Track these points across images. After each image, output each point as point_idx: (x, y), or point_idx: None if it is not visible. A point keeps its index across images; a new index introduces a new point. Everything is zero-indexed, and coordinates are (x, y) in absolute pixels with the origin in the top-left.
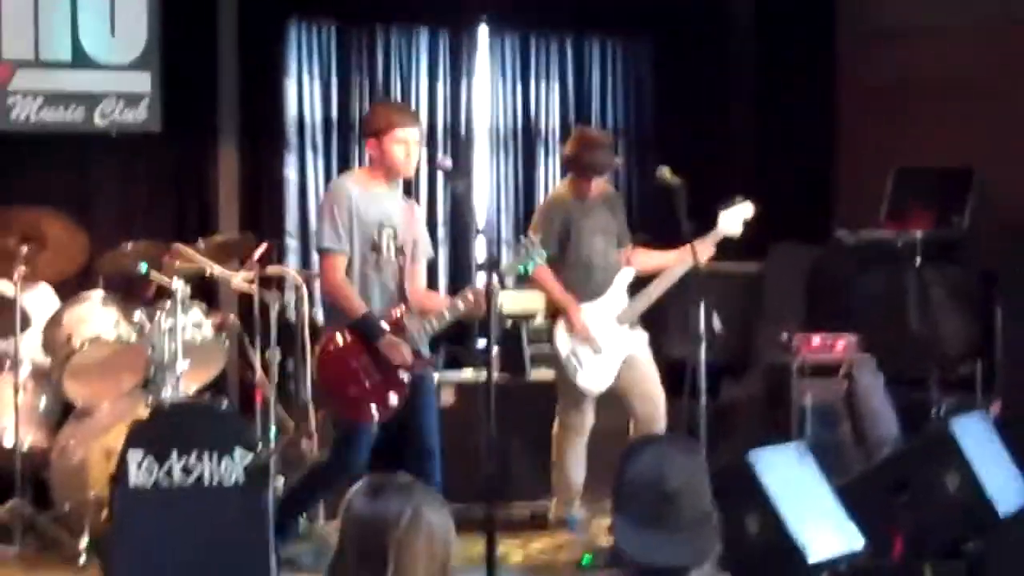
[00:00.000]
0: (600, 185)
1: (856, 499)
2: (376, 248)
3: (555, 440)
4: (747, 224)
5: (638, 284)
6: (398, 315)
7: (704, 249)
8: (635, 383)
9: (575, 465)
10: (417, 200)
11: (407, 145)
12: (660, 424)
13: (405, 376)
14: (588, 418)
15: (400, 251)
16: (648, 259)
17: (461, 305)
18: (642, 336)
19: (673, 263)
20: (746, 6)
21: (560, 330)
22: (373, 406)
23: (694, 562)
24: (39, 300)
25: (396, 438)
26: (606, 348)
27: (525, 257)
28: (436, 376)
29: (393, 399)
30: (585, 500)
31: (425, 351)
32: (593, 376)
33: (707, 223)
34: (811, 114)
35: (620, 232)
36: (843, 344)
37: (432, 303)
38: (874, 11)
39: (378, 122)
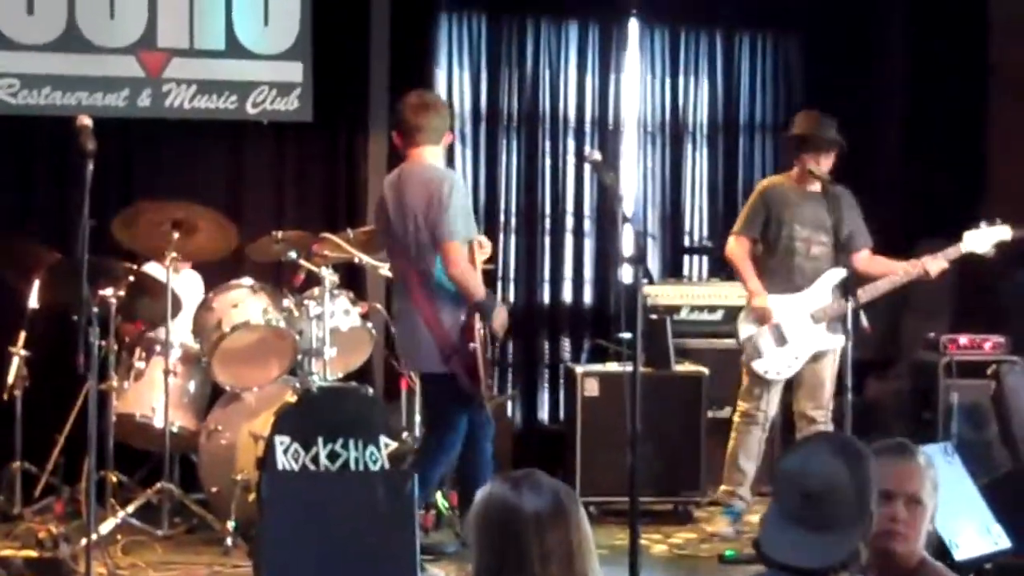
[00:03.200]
0: (822, 180)
1: (1002, 499)
2: (470, 240)
3: (734, 424)
4: (1000, 247)
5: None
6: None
7: (937, 264)
8: (806, 381)
9: (745, 456)
10: (564, 191)
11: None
12: (819, 420)
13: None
14: (764, 405)
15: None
16: (875, 264)
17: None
18: (839, 339)
19: (899, 272)
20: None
21: (743, 313)
22: (485, 387)
23: (828, 565)
24: (188, 284)
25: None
26: (793, 341)
27: None
28: (580, 368)
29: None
30: (755, 491)
31: None
32: (771, 365)
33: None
34: (962, 108)
35: (851, 232)
36: (991, 344)
37: None
38: None
39: (447, 121)
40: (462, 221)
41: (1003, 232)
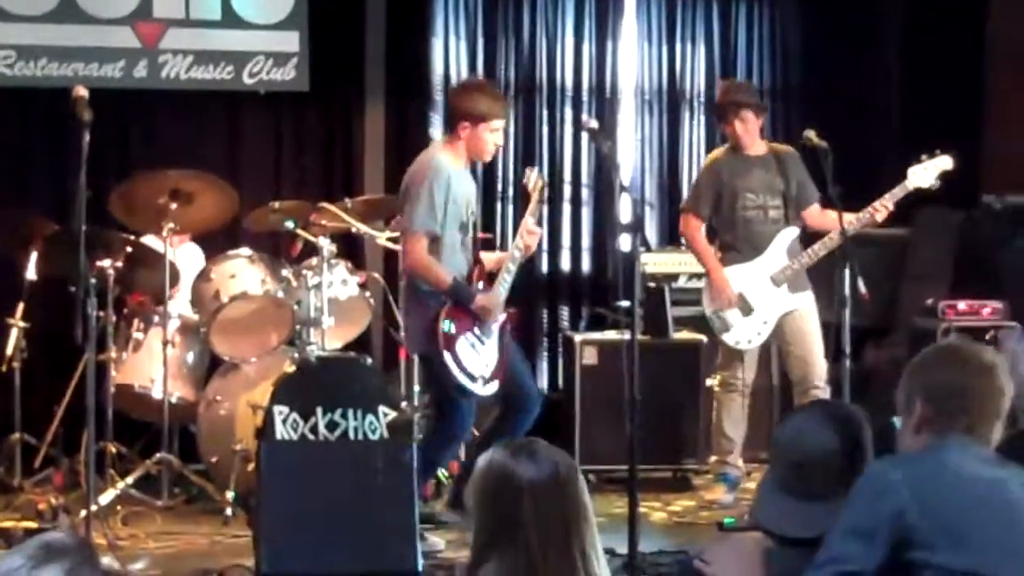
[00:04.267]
0: (763, 143)
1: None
2: (463, 227)
3: (715, 396)
4: (944, 178)
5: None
6: (477, 275)
7: (883, 207)
8: (790, 344)
9: (731, 422)
10: (562, 160)
11: (498, 135)
12: (815, 386)
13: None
14: (743, 375)
15: (475, 227)
16: (826, 219)
17: (517, 253)
18: (807, 296)
19: (852, 221)
20: None
21: (704, 289)
22: (483, 375)
23: (821, 534)
24: (187, 256)
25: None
26: (758, 308)
27: (540, 195)
28: (578, 337)
29: (503, 362)
30: (746, 457)
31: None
32: (740, 334)
33: (860, 185)
34: (960, 76)
35: (799, 188)
36: (989, 310)
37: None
38: None
39: (478, 108)
40: (425, 213)
41: (945, 162)
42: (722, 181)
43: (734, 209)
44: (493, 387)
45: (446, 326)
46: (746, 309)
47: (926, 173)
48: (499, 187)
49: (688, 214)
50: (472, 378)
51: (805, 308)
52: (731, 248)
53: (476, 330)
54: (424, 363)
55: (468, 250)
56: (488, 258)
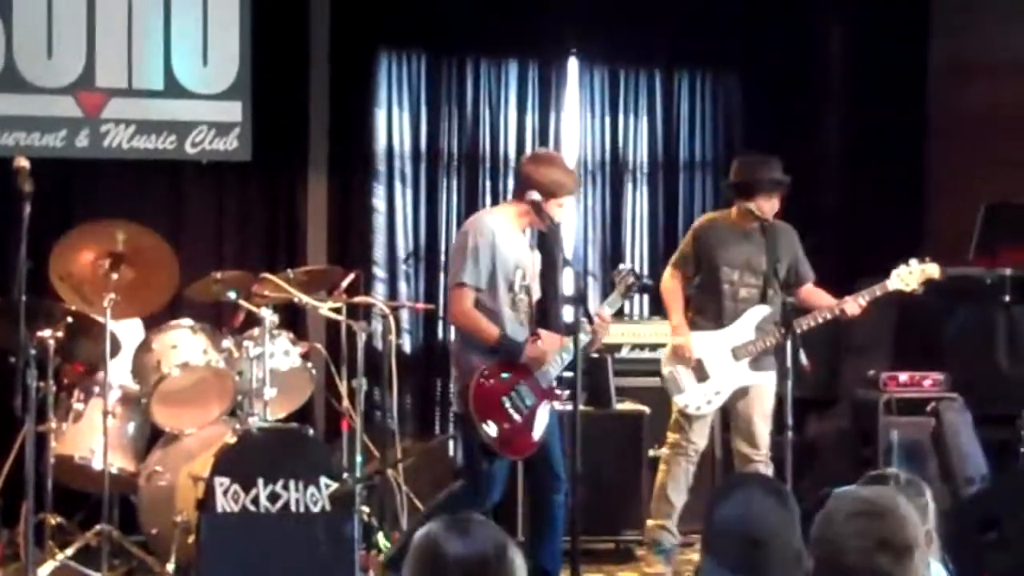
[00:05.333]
0: (761, 221)
1: (943, 537)
2: (511, 288)
3: (663, 459)
4: (928, 285)
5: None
6: (533, 345)
7: (853, 305)
8: (738, 419)
9: (673, 487)
10: None
11: (564, 208)
12: (756, 463)
13: (543, 406)
14: (692, 440)
15: (527, 290)
16: (813, 297)
17: (584, 336)
18: (768, 376)
19: (824, 311)
20: (837, 39)
21: (666, 348)
22: (519, 441)
23: None
24: (129, 327)
25: (527, 466)
26: (714, 376)
27: (627, 290)
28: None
29: (537, 434)
30: (681, 528)
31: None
32: (691, 398)
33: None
34: (901, 150)
35: (792, 266)
36: (931, 381)
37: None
38: (966, 45)
39: (550, 185)
40: (469, 267)
41: (933, 270)
42: (704, 246)
43: (708, 279)
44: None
45: (484, 384)
46: (702, 375)
47: (910, 277)
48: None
49: (674, 269)
50: (504, 444)
51: (763, 387)
52: (699, 313)
53: (517, 391)
54: (458, 421)
55: (520, 314)
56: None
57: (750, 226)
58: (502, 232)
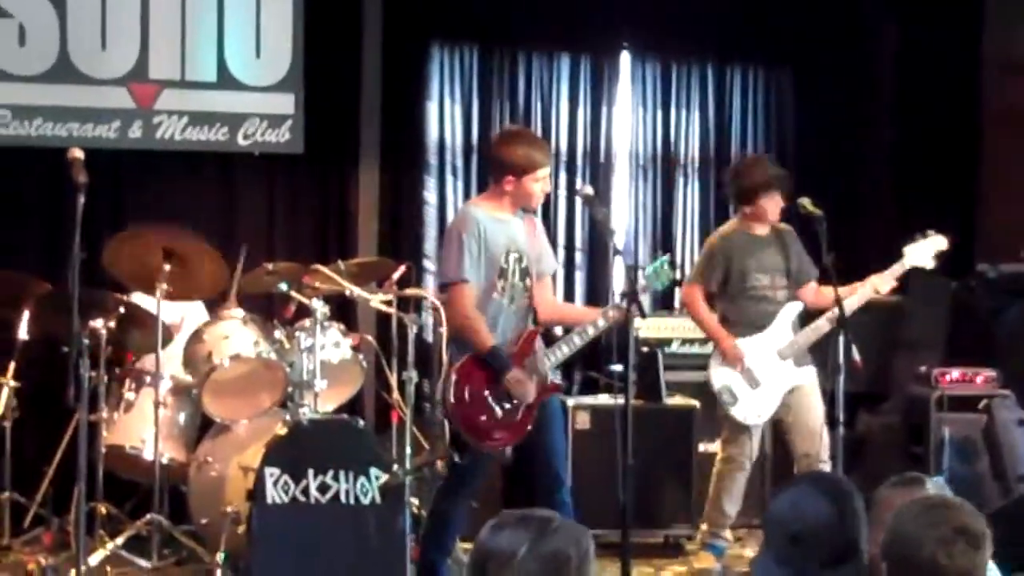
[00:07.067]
0: (770, 221)
1: (996, 535)
2: (503, 274)
3: (715, 469)
4: (939, 257)
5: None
6: (526, 340)
7: (884, 282)
8: (795, 417)
9: (729, 498)
10: (555, 224)
11: (544, 182)
12: (819, 460)
13: (532, 405)
14: (748, 450)
15: (526, 273)
16: (821, 296)
17: (602, 322)
18: (810, 371)
19: (851, 296)
20: (890, 34)
21: (714, 362)
22: (501, 435)
23: None
24: (192, 311)
25: (526, 464)
26: (765, 382)
27: (655, 278)
28: (571, 401)
29: (520, 428)
30: (736, 527)
31: (553, 376)
32: (750, 409)
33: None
34: (954, 144)
35: (798, 266)
36: (983, 378)
37: (570, 314)
38: (1020, 39)
39: (520, 161)
40: (456, 262)
41: (939, 242)
42: (732, 258)
43: (742, 288)
44: (501, 447)
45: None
46: (753, 383)
47: (922, 252)
48: None
49: (694, 285)
50: (480, 435)
51: (809, 383)
52: (734, 324)
53: (496, 387)
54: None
55: (516, 304)
56: (567, 309)
57: (760, 231)
58: (489, 219)
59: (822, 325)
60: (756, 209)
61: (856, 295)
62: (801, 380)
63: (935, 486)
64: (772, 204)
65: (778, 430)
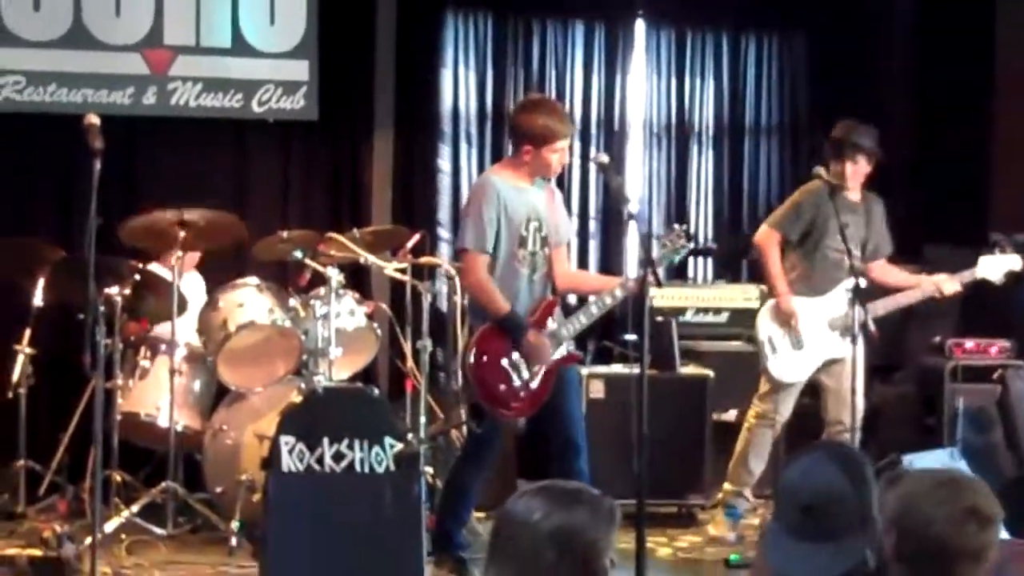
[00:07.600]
0: (860, 189)
1: (1008, 505)
2: (523, 243)
3: (745, 425)
4: (1009, 276)
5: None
6: (544, 309)
7: (952, 287)
8: (838, 384)
9: (755, 456)
10: (569, 192)
11: (562, 153)
12: (845, 431)
13: (549, 374)
14: (779, 409)
15: (545, 241)
16: (888, 274)
17: (620, 292)
18: (859, 347)
19: (914, 288)
20: (904, 1)
21: (764, 311)
22: (519, 404)
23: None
24: (192, 285)
25: (543, 433)
26: (808, 345)
27: (672, 250)
28: (585, 370)
29: (538, 398)
30: (756, 493)
31: (570, 346)
32: (784, 366)
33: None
34: (970, 113)
35: (877, 241)
36: (997, 348)
37: (585, 282)
38: None
39: (539, 131)
40: (475, 231)
41: (1015, 262)
42: (821, 213)
43: (819, 246)
44: (518, 417)
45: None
46: (797, 344)
47: (995, 266)
48: None
49: (774, 230)
50: (498, 404)
51: (848, 359)
52: (798, 281)
53: (514, 356)
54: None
55: (536, 272)
56: (583, 277)
57: (851, 196)
58: (508, 188)
59: (877, 309)
60: (841, 167)
61: (918, 290)
62: (846, 354)
63: (943, 457)
64: (854, 167)
65: (813, 394)
